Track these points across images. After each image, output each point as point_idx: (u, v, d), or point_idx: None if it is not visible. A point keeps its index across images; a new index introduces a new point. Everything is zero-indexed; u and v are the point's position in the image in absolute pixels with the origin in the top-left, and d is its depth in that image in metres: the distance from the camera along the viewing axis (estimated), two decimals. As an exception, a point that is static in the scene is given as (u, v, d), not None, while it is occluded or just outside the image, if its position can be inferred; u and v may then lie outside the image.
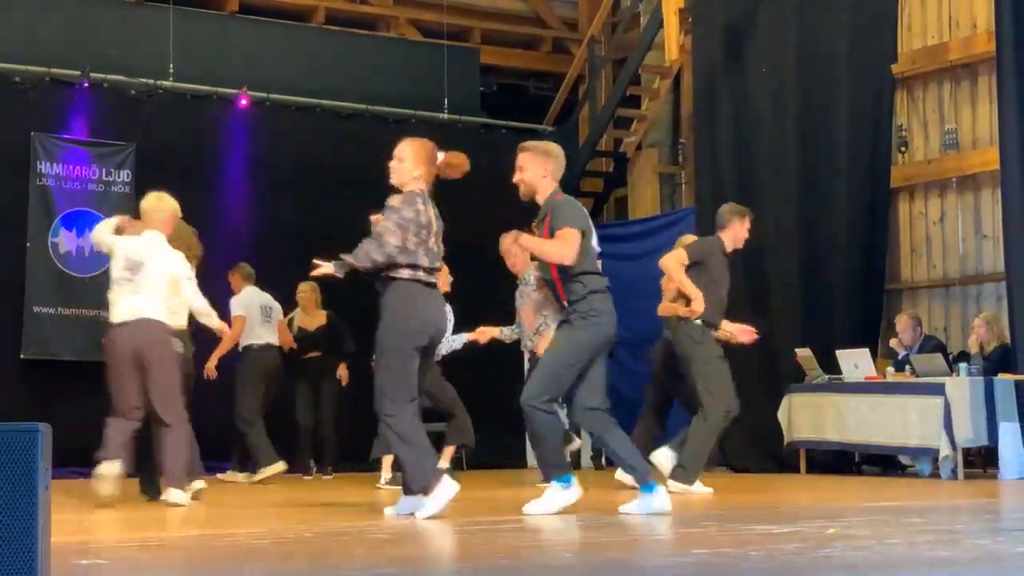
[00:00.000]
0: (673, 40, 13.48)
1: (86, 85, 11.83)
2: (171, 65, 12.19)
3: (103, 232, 7.95)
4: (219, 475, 10.77)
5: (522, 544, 5.24)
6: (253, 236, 12.39)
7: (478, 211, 13.47)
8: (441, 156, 6.94)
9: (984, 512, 7.08)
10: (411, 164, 6.83)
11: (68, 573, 4.25)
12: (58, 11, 12.10)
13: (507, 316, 10.07)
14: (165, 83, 12.18)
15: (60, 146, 11.70)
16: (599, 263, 7.02)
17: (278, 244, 12.21)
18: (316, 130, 12.96)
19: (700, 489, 8.42)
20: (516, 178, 7.04)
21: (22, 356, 11.39)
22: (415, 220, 6.65)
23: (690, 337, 8.54)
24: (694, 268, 8.58)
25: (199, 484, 8.01)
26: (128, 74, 12.03)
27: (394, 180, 6.86)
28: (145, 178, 11.88)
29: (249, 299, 10.93)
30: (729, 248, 8.68)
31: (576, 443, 10.03)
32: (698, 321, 8.51)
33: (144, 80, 12.08)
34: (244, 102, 12.55)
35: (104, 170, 11.82)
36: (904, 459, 10.81)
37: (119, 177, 11.86)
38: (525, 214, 14.00)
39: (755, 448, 11.42)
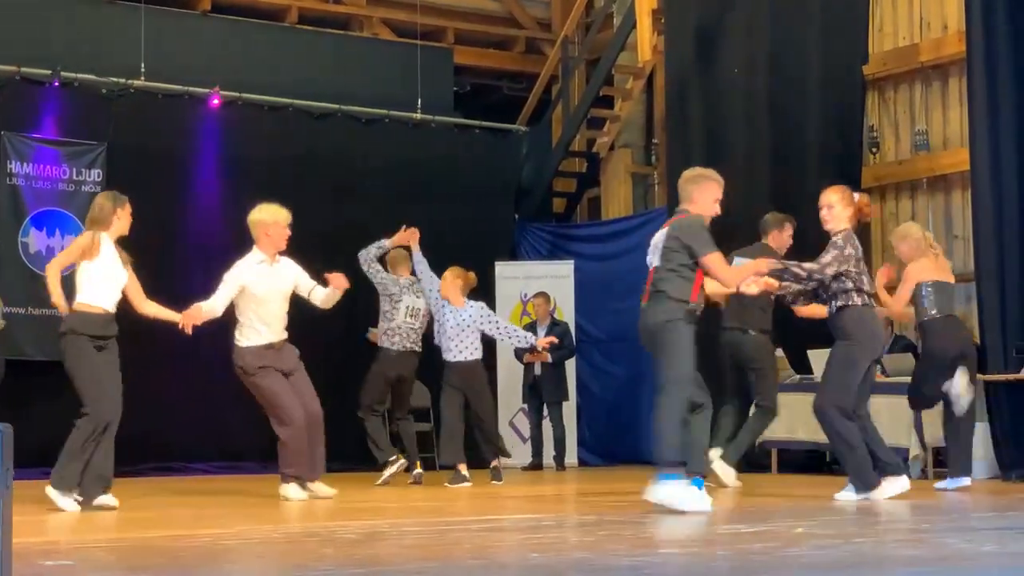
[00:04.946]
0: (646, 41, 13.49)
1: (57, 84, 11.77)
2: (142, 64, 12.13)
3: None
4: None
5: (491, 544, 5.24)
6: (224, 236, 12.32)
7: (453, 209, 13.49)
8: (856, 196, 8.07)
9: (952, 511, 7.13)
10: (840, 209, 7.91)
11: (34, 574, 4.22)
12: (28, 10, 12.02)
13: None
14: (136, 82, 12.12)
15: (30, 145, 11.64)
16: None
17: (249, 244, 12.14)
18: (288, 130, 12.92)
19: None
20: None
21: (-8, 356, 11.32)
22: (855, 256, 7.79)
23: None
24: None
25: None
26: (99, 73, 11.97)
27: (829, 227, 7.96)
28: (116, 178, 11.83)
29: None
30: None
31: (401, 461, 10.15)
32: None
33: (115, 79, 12.02)
34: (216, 101, 12.50)
35: (74, 170, 11.77)
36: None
37: (89, 177, 11.81)
38: (502, 212, 14.07)
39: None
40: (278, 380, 8.33)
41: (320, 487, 8.56)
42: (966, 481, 8.60)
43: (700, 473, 7.29)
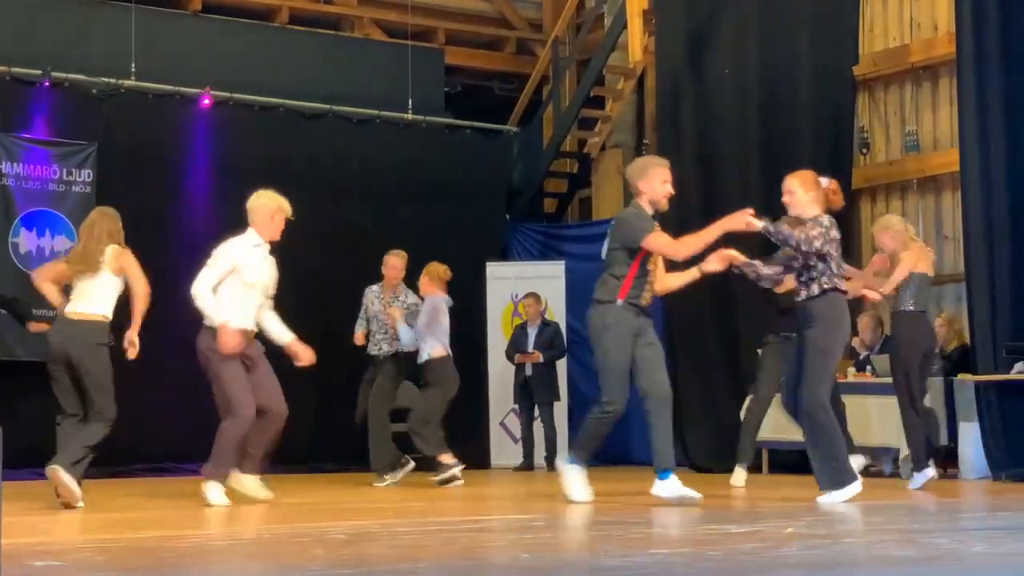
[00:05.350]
0: (637, 41, 13.50)
1: (47, 84, 11.75)
2: (133, 64, 12.12)
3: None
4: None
5: (481, 544, 5.24)
6: (215, 236, 12.25)
7: (444, 210, 13.48)
8: (824, 182, 7.62)
9: (943, 512, 7.14)
10: (802, 194, 7.54)
11: (24, 574, 4.21)
12: (19, 9, 12.01)
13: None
14: (127, 82, 12.11)
15: (21, 145, 11.61)
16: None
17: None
18: (279, 130, 12.91)
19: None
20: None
21: (-18, 356, 11.31)
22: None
23: None
24: None
25: None
26: (90, 73, 11.96)
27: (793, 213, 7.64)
28: (106, 178, 11.83)
29: None
30: None
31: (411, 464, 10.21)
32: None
33: (106, 79, 12.01)
34: (207, 102, 12.49)
35: (65, 170, 11.75)
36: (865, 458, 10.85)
37: (80, 177, 11.79)
38: (493, 212, 14.06)
39: (718, 448, 11.45)
40: (238, 370, 7.85)
41: (255, 486, 8.10)
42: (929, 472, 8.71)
43: (668, 467, 7.34)
